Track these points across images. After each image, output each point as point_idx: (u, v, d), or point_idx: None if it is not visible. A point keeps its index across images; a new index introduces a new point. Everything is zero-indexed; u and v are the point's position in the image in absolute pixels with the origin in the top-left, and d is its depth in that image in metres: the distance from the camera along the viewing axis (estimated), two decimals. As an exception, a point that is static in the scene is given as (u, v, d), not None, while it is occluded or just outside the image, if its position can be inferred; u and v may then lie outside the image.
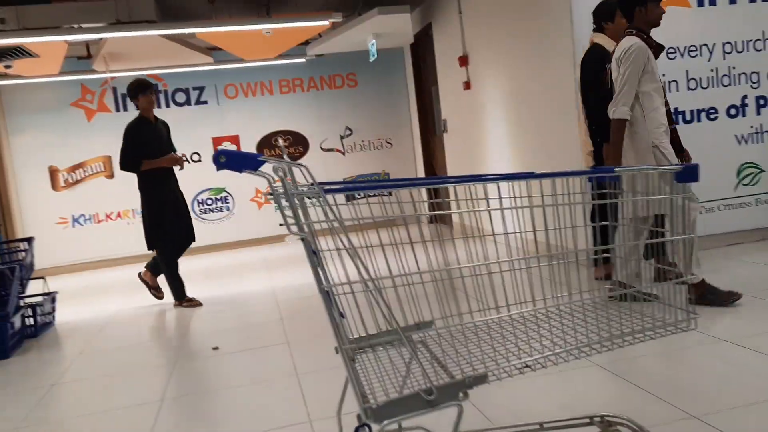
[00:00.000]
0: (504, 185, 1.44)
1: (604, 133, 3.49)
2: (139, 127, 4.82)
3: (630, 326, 1.46)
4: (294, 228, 1.22)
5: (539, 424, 1.74)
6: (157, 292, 5.11)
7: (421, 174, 8.54)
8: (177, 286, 4.91)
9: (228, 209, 8.20)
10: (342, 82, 8.52)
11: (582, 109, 4.03)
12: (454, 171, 7.35)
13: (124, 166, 4.75)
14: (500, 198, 1.46)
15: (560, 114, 4.64)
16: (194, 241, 5.03)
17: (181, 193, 4.99)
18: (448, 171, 7.56)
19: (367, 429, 1.71)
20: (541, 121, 4.99)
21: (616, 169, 1.40)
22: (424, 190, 7.38)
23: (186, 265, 7.26)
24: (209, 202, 8.14)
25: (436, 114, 7.89)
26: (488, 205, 1.45)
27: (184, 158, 5.16)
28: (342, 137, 8.52)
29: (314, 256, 1.33)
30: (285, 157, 1.36)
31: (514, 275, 1.71)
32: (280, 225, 1.22)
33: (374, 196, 1.35)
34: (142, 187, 4.81)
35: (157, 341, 3.89)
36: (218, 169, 1.14)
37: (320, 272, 1.35)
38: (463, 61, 6.37)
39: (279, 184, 1.23)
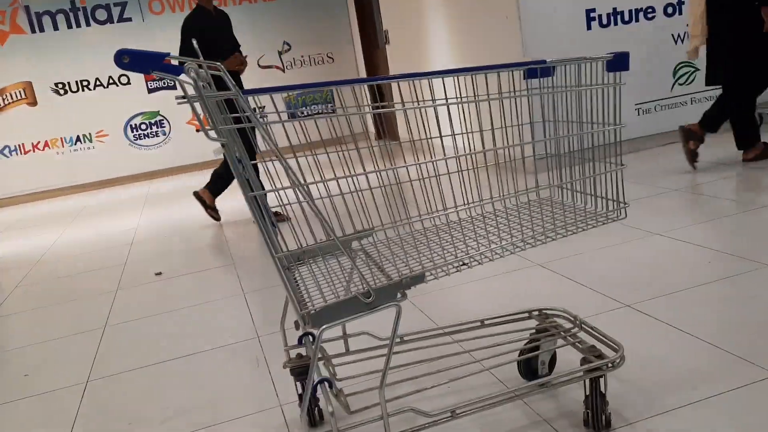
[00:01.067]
0: (450, 85, 1.39)
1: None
2: (195, 19, 4.13)
3: (562, 220, 1.47)
4: (212, 133, 1.15)
5: (480, 321, 1.78)
6: (214, 212, 4.54)
7: (366, 89, 8.37)
8: None
9: (164, 134, 7.89)
10: (276, -6, 8.13)
11: None
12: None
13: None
14: (446, 98, 1.41)
15: (500, 14, 4.54)
16: None
17: None
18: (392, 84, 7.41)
19: (310, 337, 1.72)
20: (483, 25, 4.88)
21: (547, 60, 1.36)
22: (367, 94, 7.24)
23: (122, 193, 7.06)
24: (143, 127, 7.80)
25: (377, 25, 7.64)
26: (434, 102, 1.40)
27: (246, 58, 4.31)
28: (280, 53, 8.20)
29: (239, 164, 1.27)
30: (200, 56, 1.27)
31: (450, 179, 1.68)
32: (197, 131, 1.14)
33: (320, 114, 1.28)
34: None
35: (97, 271, 3.79)
36: (122, 68, 1.04)
37: (246, 180, 1.29)
38: (401, -34, 6.11)
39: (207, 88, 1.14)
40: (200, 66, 1.22)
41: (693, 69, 4.69)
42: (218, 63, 1.13)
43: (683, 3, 4.58)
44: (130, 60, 1.06)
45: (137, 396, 2.05)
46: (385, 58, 7.39)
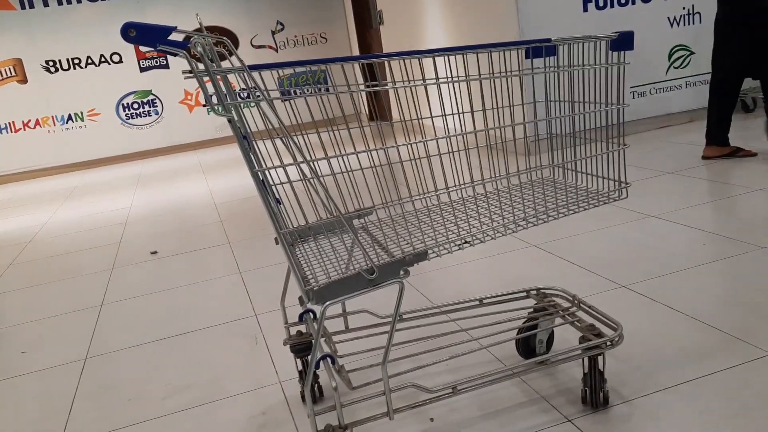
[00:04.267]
0: (441, 66, 1.38)
1: None
2: None
3: (564, 200, 1.48)
4: (219, 109, 1.14)
5: (479, 300, 1.79)
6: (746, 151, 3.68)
7: (359, 70, 8.32)
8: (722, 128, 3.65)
9: (156, 113, 7.82)
10: (270, -28, 8.02)
11: None
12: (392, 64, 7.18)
13: None
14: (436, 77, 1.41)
15: (497, -1, 4.51)
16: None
17: None
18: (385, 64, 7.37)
19: (311, 315, 1.73)
20: (479, 5, 4.85)
21: (552, 39, 1.36)
22: (359, 74, 7.19)
23: (114, 173, 7.02)
24: (135, 106, 7.73)
25: (371, 5, 7.57)
26: (425, 81, 1.40)
27: None
28: (273, 33, 8.12)
29: (245, 141, 1.26)
30: (204, 32, 1.26)
31: (452, 158, 1.68)
32: (204, 106, 1.14)
33: (311, 94, 1.27)
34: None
35: (91, 249, 3.78)
36: (128, 41, 1.03)
37: (252, 156, 1.29)
38: (397, -55, 6.04)
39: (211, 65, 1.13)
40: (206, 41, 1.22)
41: (688, 52, 4.70)
42: (224, 38, 1.12)
43: (680, -14, 4.57)
44: (136, 33, 1.05)
45: (136, 373, 2.06)
46: (379, 38, 7.34)
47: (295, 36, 8.17)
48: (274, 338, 2.17)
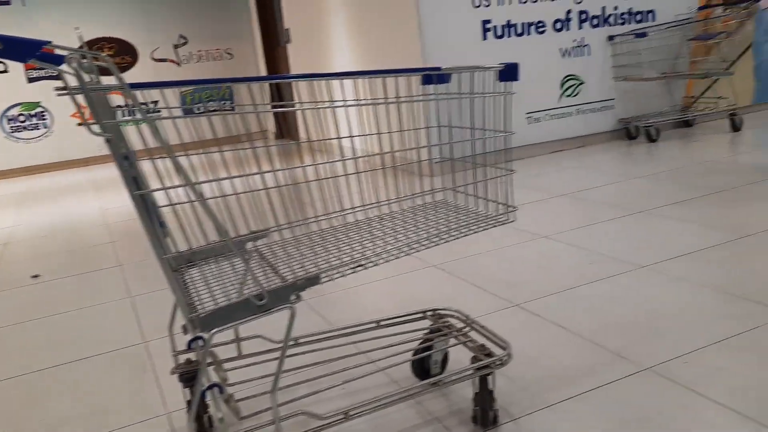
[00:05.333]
0: (350, 88, 1.38)
1: None
2: None
3: (456, 223, 1.52)
4: (96, 128, 1.08)
5: (376, 322, 1.79)
6: None
7: (266, 87, 8.23)
8: None
9: (45, 126, 7.35)
10: (172, -15, 7.79)
11: None
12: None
13: None
14: (345, 99, 1.41)
15: (401, 20, 4.61)
16: None
17: None
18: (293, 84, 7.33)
19: (200, 342, 1.66)
20: (384, 29, 4.94)
21: (442, 68, 1.40)
22: (267, 94, 7.11)
23: None
24: (22, 118, 7.23)
25: (278, 23, 7.54)
26: (332, 104, 1.39)
27: None
28: (176, 46, 7.88)
29: (125, 161, 1.20)
30: (84, 48, 1.19)
31: (348, 180, 1.68)
32: (78, 125, 1.07)
33: (215, 111, 1.23)
34: None
35: (-34, 272, 3.47)
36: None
37: (134, 178, 1.23)
38: (303, -35, 6.06)
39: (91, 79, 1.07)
40: (84, 57, 1.15)
41: (578, 82, 4.99)
42: (104, 54, 1.06)
43: (570, 20, 4.87)
44: (4, 47, 0.97)
45: (14, 407, 1.90)
46: (286, 56, 7.31)
47: (199, 51, 7.98)
48: (163, 367, 2.07)
